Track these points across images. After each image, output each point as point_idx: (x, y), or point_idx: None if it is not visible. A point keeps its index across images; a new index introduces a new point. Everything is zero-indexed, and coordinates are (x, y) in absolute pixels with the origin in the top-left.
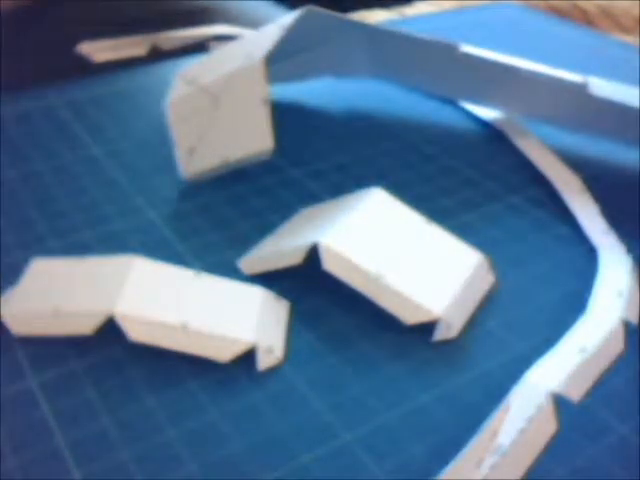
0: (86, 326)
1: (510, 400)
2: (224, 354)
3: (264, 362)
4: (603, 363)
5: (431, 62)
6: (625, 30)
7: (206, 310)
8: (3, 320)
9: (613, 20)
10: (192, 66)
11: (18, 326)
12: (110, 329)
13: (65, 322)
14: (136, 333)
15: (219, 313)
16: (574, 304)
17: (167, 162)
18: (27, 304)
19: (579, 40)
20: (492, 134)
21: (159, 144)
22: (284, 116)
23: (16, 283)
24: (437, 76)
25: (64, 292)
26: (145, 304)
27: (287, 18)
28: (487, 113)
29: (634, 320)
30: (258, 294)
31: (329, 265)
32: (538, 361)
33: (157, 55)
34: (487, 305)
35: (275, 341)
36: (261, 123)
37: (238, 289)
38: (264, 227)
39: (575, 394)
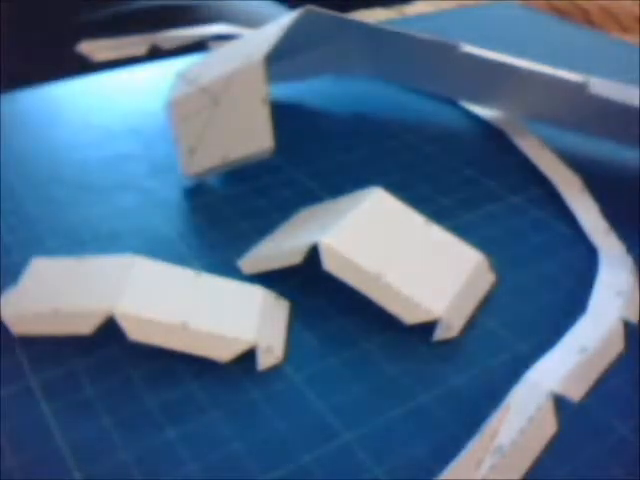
0: (86, 326)
1: (510, 400)
2: (224, 354)
3: (264, 362)
4: (603, 363)
5: (431, 62)
6: (625, 29)
7: (206, 310)
8: (3, 320)
9: (613, 19)
10: (192, 66)
11: (18, 326)
12: (110, 329)
13: (65, 322)
14: (136, 333)
15: (219, 313)
16: (574, 304)
17: (167, 162)
18: (27, 304)
19: (579, 40)
20: (492, 134)
21: (159, 144)
22: (284, 116)
23: (16, 283)
24: (437, 76)
25: (64, 292)
26: (145, 304)
27: (287, 18)
28: (487, 113)
29: (634, 320)
30: (258, 294)
31: (329, 265)
32: (538, 361)
33: (157, 55)
34: (487, 305)
35: (275, 341)
36: (261, 123)
37: (238, 289)
38: (264, 227)
39: (575, 394)
